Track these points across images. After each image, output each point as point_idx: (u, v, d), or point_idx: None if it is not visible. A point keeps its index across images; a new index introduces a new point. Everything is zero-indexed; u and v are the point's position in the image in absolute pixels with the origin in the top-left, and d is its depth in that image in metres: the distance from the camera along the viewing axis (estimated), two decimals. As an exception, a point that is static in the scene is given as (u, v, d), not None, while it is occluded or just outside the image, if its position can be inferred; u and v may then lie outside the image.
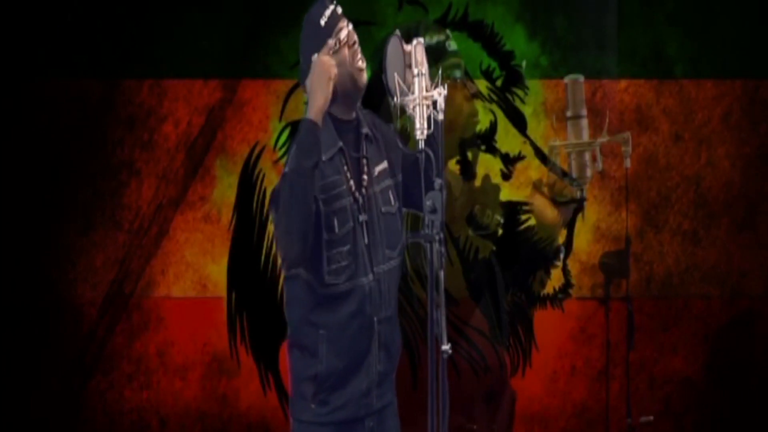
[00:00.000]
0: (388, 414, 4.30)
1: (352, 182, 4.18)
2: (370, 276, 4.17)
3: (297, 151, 4.04)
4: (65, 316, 6.71)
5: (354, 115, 4.25)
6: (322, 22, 4.18)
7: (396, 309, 4.29)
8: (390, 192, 4.26)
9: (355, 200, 4.18)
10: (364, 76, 4.23)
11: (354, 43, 4.20)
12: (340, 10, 4.22)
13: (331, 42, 4.17)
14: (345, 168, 4.18)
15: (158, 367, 6.74)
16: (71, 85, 6.69)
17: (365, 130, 4.25)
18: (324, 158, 4.13)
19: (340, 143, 4.18)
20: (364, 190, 4.19)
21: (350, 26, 4.22)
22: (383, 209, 4.23)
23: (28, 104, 6.68)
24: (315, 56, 4.17)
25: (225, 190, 6.73)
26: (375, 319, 4.19)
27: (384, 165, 4.27)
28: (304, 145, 4.04)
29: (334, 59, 4.16)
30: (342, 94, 4.17)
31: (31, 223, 6.69)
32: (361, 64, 4.21)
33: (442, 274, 3.80)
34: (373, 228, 4.19)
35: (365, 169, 4.22)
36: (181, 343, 6.74)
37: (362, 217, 4.18)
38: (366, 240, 4.18)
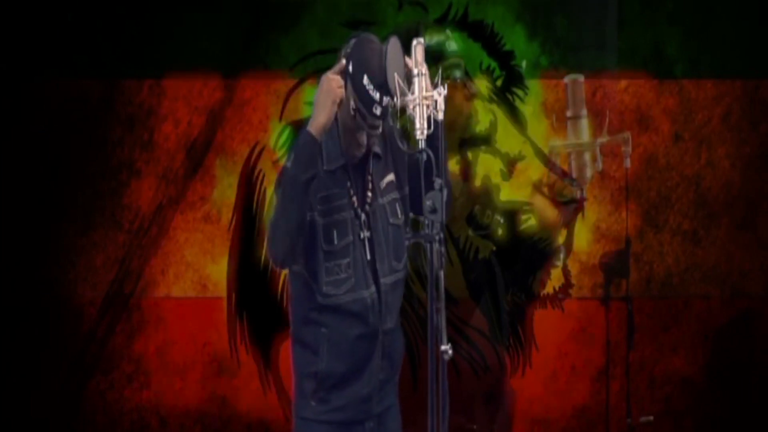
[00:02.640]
0: (390, 416, 4.30)
1: (355, 198, 4.18)
2: (372, 288, 4.17)
3: (295, 161, 4.04)
4: (65, 316, 6.71)
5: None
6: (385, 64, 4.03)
7: (399, 318, 4.29)
8: (397, 204, 4.26)
9: (357, 216, 4.18)
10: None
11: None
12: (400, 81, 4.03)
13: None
14: (348, 184, 4.18)
15: (158, 367, 6.74)
16: (71, 85, 6.68)
17: (374, 147, 4.23)
18: (326, 168, 4.13)
19: (345, 159, 4.17)
20: (367, 207, 4.20)
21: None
22: (391, 220, 4.23)
23: (28, 104, 6.68)
24: (327, 76, 4.10)
25: (225, 190, 6.72)
26: (380, 329, 4.19)
27: (390, 177, 4.26)
28: (300, 158, 4.04)
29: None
30: (350, 131, 4.15)
31: (31, 223, 6.69)
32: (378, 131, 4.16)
33: (442, 274, 3.80)
34: (380, 241, 4.19)
35: (370, 185, 4.22)
36: (181, 343, 6.73)
37: (364, 234, 4.18)
38: (369, 256, 4.18)
